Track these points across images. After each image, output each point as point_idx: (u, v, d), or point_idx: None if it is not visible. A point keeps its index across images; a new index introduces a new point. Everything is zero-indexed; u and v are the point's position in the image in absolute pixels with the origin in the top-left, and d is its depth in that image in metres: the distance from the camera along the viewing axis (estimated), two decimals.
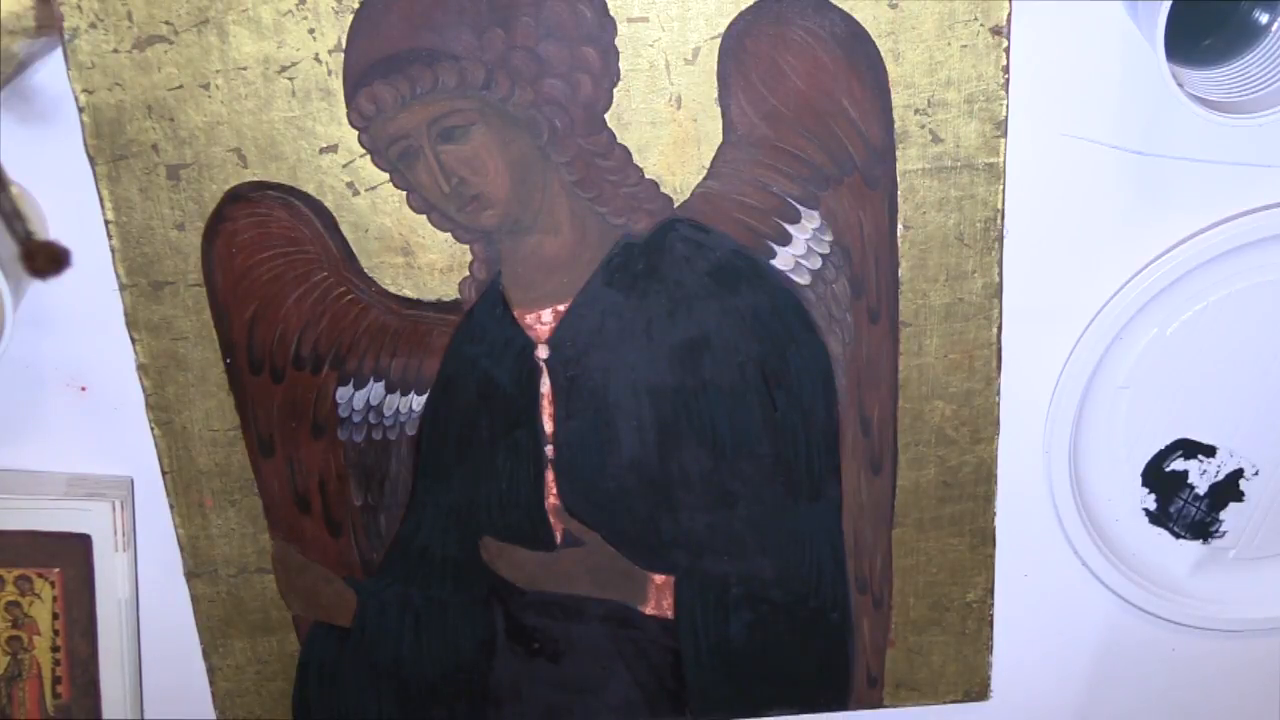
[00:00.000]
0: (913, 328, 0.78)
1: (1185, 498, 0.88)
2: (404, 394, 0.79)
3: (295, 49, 0.70)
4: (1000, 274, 0.77)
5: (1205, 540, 0.90)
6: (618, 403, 0.79)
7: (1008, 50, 0.72)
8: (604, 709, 0.88)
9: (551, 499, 0.81)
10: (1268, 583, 0.90)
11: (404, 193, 0.74)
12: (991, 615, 0.86)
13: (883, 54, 0.71)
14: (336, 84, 0.71)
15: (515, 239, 0.75)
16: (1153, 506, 0.89)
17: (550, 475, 0.81)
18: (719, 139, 0.73)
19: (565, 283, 0.77)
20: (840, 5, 0.70)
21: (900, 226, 0.76)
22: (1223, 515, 0.89)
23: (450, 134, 0.72)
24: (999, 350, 0.79)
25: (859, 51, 0.71)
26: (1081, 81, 0.76)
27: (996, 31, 0.71)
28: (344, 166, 0.73)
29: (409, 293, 0.76)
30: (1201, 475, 0.88)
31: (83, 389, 0.81)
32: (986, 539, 0.84)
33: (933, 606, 0.85)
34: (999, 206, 0.75)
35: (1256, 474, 0.88)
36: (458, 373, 0.78)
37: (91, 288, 0.76)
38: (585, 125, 0.72)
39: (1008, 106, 0.73)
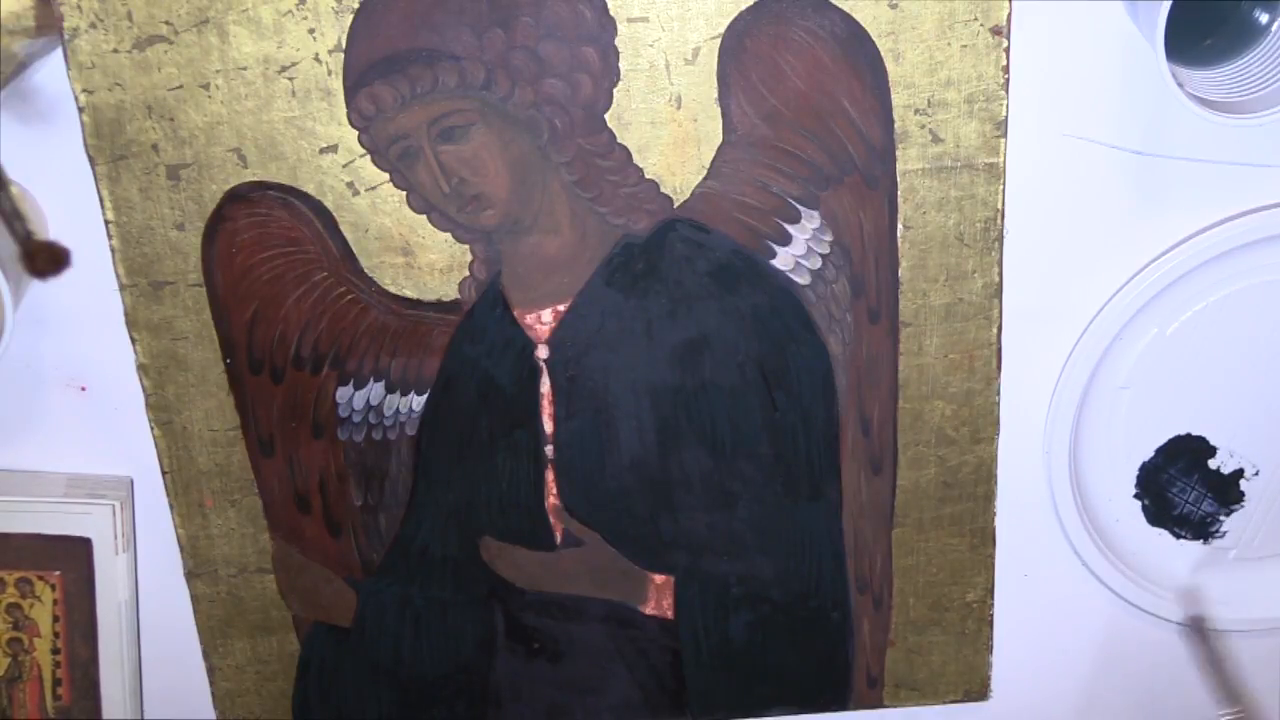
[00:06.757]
0: (913, 328, 0.78)
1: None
2: (404, 394, 0.79)
3: (295, 49, 0.70)
4: (1000, 274, 0.77)
5: (1205, 540, 0.90)
6: (618, 403, 0.79)
7: (1008, 50, 0.72)
8: (604, 709, 0.88)
9: (551, 499, 0.81)
10: (1268, 583, 0.90)
11: (404, 193, 0.74)
12: (991, 615, 0.86)
13: (883, 54, 0.71)
14: (336, 84, 0.71)
15: (515, 239, 0.75)
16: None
17: (550, 475, 0.81)
18: (719, 139, 0.73)
19: (565, 283, 0.77)
20: (840, 5, 0.70)
21: (900, 226, 0.76)
22: (1222, 515, 0.89)
23: (450, 134, 0.72)
24: (999, 350, 0.79)
25: (859, 51, 0.71)
26: (1081, 81, 0.76)
27: (996, 31, 0.71)
28: (344, 166, 0.73)
29: (409, 293, 0.76)
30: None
31: (83, 389, 0.81)
32: (986, 539, 0.84)
33: (933, 606, 0.85)
34: (999, 206, 0.75)
35: (1256, 474, 0.88)
36: (458, 373, 0.78)
37: (91, 288, 0.76)
38: (585, 125, 0.72)
39: (1008, 106, 0.73)
